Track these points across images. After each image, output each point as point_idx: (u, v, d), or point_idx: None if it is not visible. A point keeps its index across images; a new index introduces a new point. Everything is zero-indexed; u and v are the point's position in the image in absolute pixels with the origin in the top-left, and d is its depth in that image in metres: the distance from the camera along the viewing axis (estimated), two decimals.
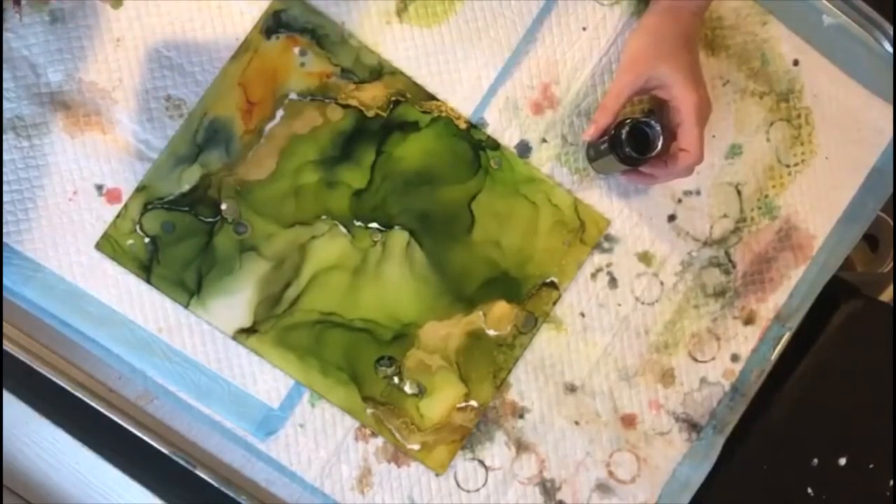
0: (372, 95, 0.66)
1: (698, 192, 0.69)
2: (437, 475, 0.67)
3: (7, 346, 0.63)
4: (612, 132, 0.62)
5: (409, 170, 0.65)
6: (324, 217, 0.66)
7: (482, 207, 0.67)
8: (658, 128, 0.61)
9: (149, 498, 0.65)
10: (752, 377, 0.70)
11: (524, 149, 0.68)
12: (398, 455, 0.67)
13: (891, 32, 0.71)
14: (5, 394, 0.64)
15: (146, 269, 0.65)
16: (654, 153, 0.61)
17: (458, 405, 0.67)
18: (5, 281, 0.64)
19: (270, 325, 0.66)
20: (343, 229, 0.66)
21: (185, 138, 0.65)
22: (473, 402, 0.67)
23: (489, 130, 0.67)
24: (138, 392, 0.66)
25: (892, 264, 1.09)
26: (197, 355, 0.65)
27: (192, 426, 0.66)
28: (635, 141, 0.61)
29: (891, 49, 0.72)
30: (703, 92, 0.61)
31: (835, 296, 0.75)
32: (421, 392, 0.67)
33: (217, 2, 0.65)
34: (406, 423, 0.67)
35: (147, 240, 0.65)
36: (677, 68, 0.61)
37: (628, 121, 0.61)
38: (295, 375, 0.66)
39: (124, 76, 0.65)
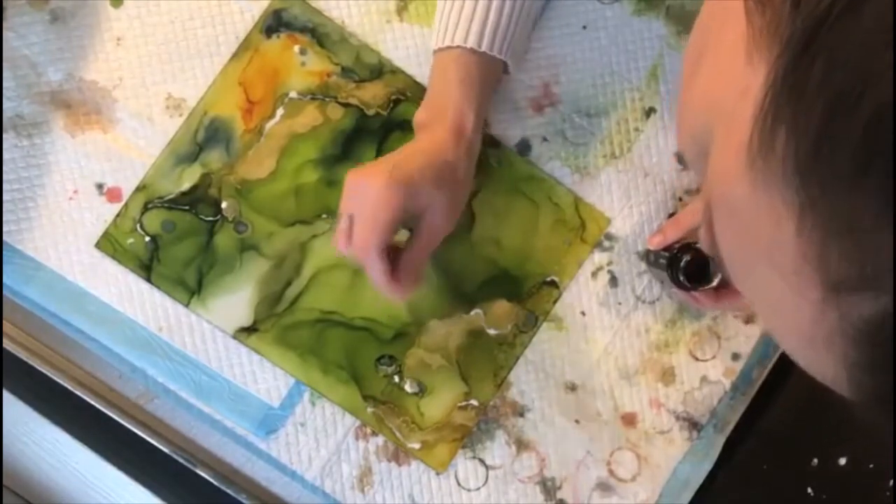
0: (372, 94, 0.66)
1: (699, 191, 0.69)
2: (437, 474, 0.67)
3: (7, 345, 0.63)
4: (675, 251, 0.60)
5: None
6: (324, 216, 0.66)
7: (482, 206, 0.67)
8: None
9: (149, 498, 0.65)
10: (752, 376, 0.70)
11: (524, 147, 0.68)
12: (399, 454, 0.67)
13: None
14: (5, 394, 0.63)
15: (146, 268, 0.65)
16: (707, 287, 0.58)
17: (459, 404, 0.67)
18: (6, 280, 0.64)
19: (271, 323, 0.66)
20: None
21: (185, 137, 0.65)
22: (474, 401, 0.67)
23: (489, 129, 0.67)
24: (139, 391, 0.66)
25: None
26: (197, 354, 0.65)
27: (192, 425, 0.66)
28: (693, 268, 0.58)
29: None
30: None
31: None
32: (421, 391, 0.67)
33: (217, 1, 0.65)
34: (406, 421, 0.67)
35: (147, 239, 0.65)
36: None
37: (694, 246, 0.59)
38: (295, 374, 0.66)
39: (125, 75, 0.65)
